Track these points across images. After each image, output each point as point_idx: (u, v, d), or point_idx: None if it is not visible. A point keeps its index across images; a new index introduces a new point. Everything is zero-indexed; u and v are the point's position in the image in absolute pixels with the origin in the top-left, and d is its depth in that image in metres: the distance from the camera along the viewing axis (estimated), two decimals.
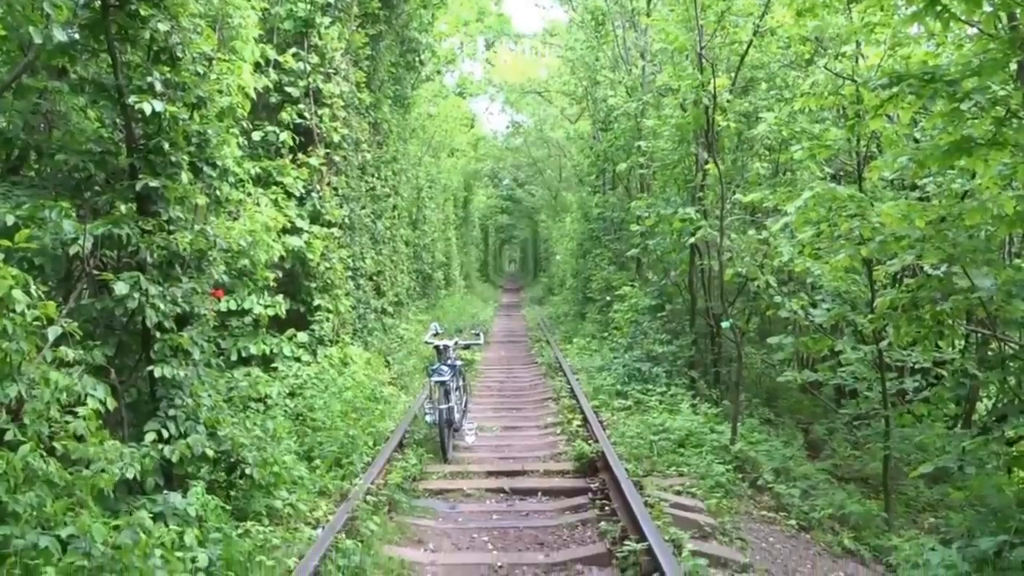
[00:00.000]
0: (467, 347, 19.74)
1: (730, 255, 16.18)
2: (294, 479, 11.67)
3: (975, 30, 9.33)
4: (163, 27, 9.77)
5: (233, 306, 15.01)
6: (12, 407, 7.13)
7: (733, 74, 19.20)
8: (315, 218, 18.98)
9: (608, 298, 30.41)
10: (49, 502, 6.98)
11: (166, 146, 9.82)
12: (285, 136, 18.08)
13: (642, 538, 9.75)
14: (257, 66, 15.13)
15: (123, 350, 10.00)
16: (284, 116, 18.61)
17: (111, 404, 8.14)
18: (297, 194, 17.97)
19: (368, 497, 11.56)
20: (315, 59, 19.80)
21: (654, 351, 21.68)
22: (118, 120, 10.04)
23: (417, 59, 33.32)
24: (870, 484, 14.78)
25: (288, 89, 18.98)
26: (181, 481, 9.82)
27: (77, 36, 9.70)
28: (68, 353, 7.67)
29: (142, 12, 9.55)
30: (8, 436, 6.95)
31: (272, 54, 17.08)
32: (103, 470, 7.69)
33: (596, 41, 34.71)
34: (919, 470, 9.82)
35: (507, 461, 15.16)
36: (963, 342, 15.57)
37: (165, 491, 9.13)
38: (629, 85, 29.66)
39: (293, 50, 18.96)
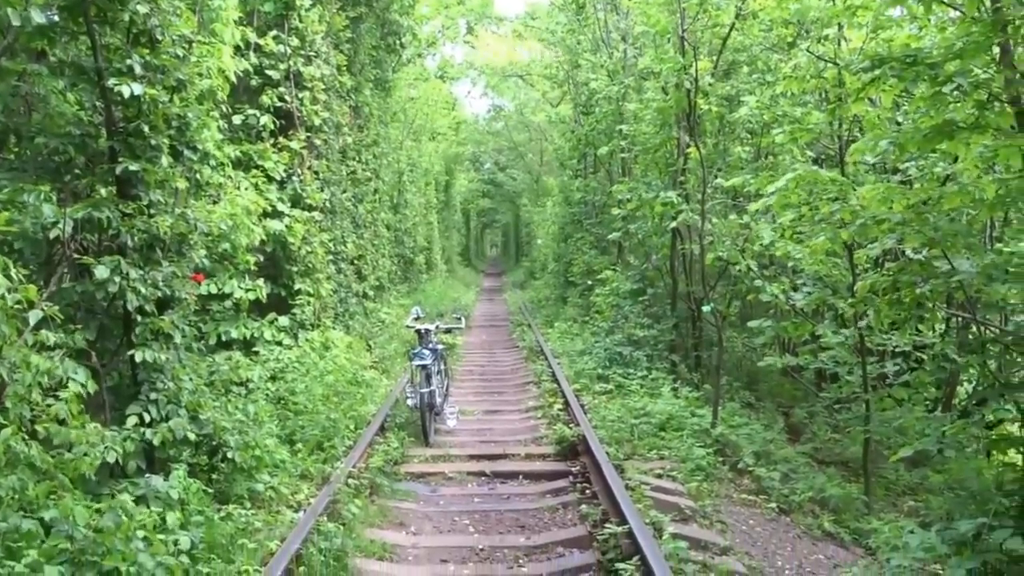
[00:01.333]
0: (448, 331, 19.76)
1: (711, 239, 16.23)
2: (276, 462, 11.71)
3: (958, 13, 9.37)
4: (142, 9, 9.75)
5: (214, 290, 14.98)
6: None
7: (715, 57, 19.29)
8: (296, 202, 18.95)
9: (589, 282, 30.38)
10: (31, 485, 7.01)
11: (146, 129, 9.80)
12: (266, 119, 18.05)
13: (623, 521, 9.80)
14: (237, 49, 15.08)
15: (104, 334, 10.00)
16: (264, 99, 18.58)
17: (93, 388, 8.16)
18: (278, 178, 17.91)
19: (350, 480, 11.59)
20: (295, 42, 19.73)
21: (635, 335, 21.72)
22: (98, 103, 10.02)
23: (398, 42, 33.27)
24: (850, 467, 14.87)
25: (268, 72, 18.93)
26: (163, 464, 9.85)
27: (56, 18, 9.67)
28: (49, 337, 7.67)
29: None
30: None
31: (252, 37, 16.98)
32: (85, 453, 7.74)
33: (577, 24, 34.63)
34: (899, 454, 9.87)
35: (488, 445, 15.23)
36: (943, 326, 15.64)
37: (147, 474, 9.16)
38: (610, 68, 29.61)
39: (273, 33, 18.90)
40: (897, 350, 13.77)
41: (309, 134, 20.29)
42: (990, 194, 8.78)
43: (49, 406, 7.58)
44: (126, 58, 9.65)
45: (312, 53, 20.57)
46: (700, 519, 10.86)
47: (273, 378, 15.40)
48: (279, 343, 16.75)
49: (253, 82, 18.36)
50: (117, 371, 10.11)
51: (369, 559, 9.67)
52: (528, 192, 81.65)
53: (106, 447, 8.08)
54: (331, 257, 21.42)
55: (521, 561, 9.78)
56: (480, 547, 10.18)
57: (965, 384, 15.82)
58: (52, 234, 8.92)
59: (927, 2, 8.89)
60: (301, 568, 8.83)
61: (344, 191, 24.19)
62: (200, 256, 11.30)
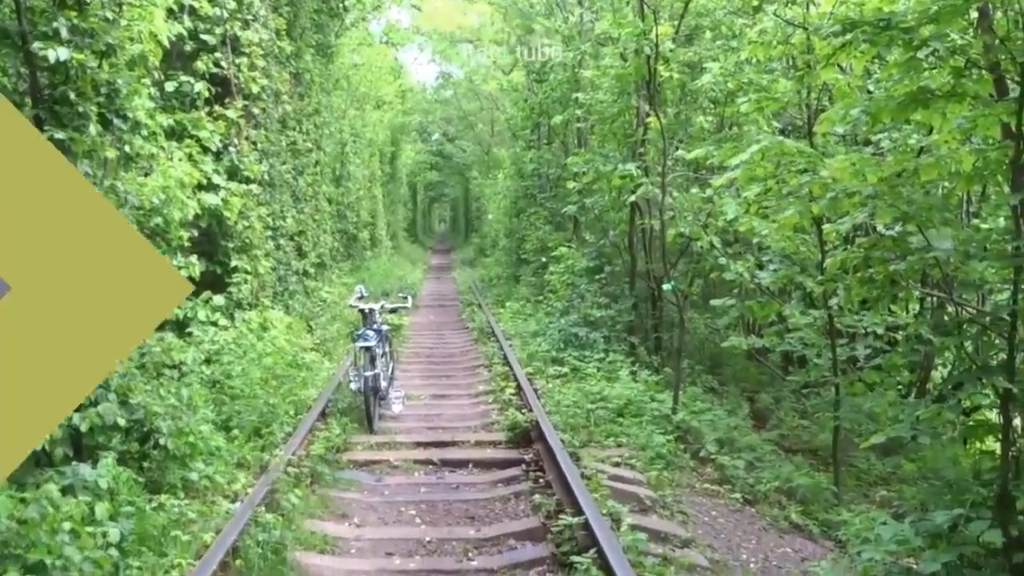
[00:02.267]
0: (394, 311, 19.75)
1: (672, 214, 16.24)
2: (211, 450, 11.60)
3: None
4: None
5: None
6: None
7: (676, 22, 19.27)
8: (232, 174, 18.79)
9: (543, 259, 30.31)
10: None
11: (73, 96, 9.72)
12: (200, 87, 17.83)
13: (578, 512, 9.80)
14: (170, 12, 14.91)
15: None
16: (199, 65, 18.35)
17: None
18: (213, 148, 17.69)
19: (289, 469, 11.53)
20: (232, 5, 19.52)
21: (592, 315, 21.68)
22: (22, 69, 9.90)
23: (341, 5, 33.09)
24: (819, 456, 14.92)
25: (204, 37, 18.66)
26: (91, 452, 9.75)
27: None
28: None
29: None
30: None
31: None
32: None
33: None
34: (870, 441, 9.87)
35: (436, 431, 15.19)
36: (918, 306, 15.70)
37: (74, 462, 9.06)
38: (566, 34, 29.56)
39: None
40: (868, 331, 13.80)
41: (247, 102, 20.15)
42: (967, 166, 8.80)
43: None
44: (52, 21, 9.56)
45: (250, 16, 20.41)
46: (660, 510, 10.89)
47: (208, 361, 15.27)
48: (214, 323, 16.58)
49: (187, 47, 18.12)
50: None
51: (310, 552, 9.62)
52: (478, 164, 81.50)
53: None
54: (270, 233, 21.27)
55: (471, 554, 9.76)
56: (427, 539, 10.15)
57: (940, 368, 15.90)
58: None
59: None
60: (238, 561, 8.78)
61: (284, 163, 24.02)
62: None
